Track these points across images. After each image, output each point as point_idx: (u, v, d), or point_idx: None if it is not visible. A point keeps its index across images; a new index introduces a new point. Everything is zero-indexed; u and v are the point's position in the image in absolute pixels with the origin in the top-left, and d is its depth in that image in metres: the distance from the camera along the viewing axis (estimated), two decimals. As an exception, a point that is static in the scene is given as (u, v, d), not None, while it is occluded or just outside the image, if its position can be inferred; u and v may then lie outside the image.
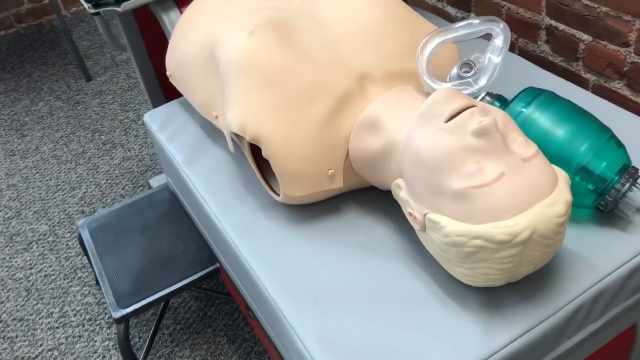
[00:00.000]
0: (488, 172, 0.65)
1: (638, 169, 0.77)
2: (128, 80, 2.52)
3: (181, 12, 1.18)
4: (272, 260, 0.83)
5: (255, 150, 0.95)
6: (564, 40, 1.36)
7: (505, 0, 1.47)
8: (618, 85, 1.29)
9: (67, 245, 1.82)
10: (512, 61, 1.23)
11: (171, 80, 1.11)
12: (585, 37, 1.31)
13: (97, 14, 1.14)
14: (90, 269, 1.72)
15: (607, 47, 1.26)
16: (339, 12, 0.90)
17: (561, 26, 1.35)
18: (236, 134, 0.91)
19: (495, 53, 0.79)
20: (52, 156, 2.17)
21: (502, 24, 0.79)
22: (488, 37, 0.82)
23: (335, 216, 0.88)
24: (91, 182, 2.03)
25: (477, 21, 0.80)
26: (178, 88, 1.09)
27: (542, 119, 0.79)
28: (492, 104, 0.84)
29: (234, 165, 1.00)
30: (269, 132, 0.82)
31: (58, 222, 1.89)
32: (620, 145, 0.78)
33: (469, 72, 0.81)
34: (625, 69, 1.25)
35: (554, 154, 0.77)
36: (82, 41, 2.84)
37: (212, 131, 1.08)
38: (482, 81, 0.78)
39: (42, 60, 2.74)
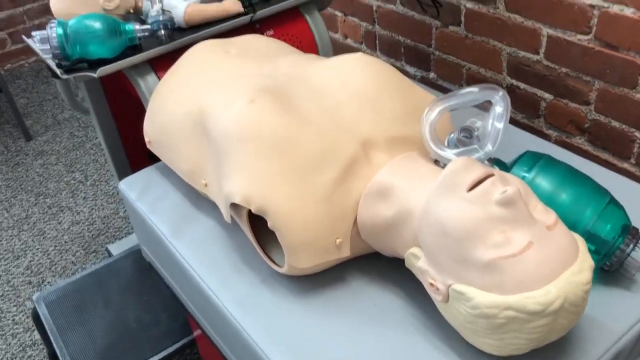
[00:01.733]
0: (516, 242, 0.65)
1: (638, 229, 0.80)
2: (72, 139, 2.41)
3: (158, 77, 1.14)
4: (280, 336, 0.79)
5: (250, 220, 0.92)
6: (525, 99, 1.43)
7: (466, 60, 1.54)
8: (579, 140, 1.36)
9: (14, 320, 1.67)
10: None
11: (150, 147, 1.07)
12: (547, 95, 1.38)
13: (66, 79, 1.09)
14: (42, 347, 1.58)
15: (568, 105, 1.34)
16: (334, 79, 0.91)
17: (522, 85, 1.42)
18: (232, 205, 0.88)
19: (497, 120, 0.81)
20: (-8, 223, 2.02)
21: (501, 92, 0.82)
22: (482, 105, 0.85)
23: (341, 286, 0.85)
24: (37, 249, 1.90)
25: (476, 89, 0.82)
26: (159, 155, 1.05)
27: (545, 183, 0.81)
28: (492, 167, 0.85)
29: (226, 236, 0.96)
30: (276, 203, 0.79)
31: (1, 295, 1.75)
32: (619, 206, 0.81)
33: (469, 137, 0.82)
34: (587, 125, 1.32)
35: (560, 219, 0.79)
36: (19, 99, 2.71)
37: (198, 199, 1.04)
38: (489, 147, 0.80)
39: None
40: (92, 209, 2.04)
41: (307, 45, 1.29)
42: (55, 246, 1.90)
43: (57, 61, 1.06)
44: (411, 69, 1.75)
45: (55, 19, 1.08)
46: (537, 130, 1.44)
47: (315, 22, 1.31)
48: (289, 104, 0.86)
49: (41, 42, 1.05)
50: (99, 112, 1.34)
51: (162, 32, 1.10)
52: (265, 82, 0.92)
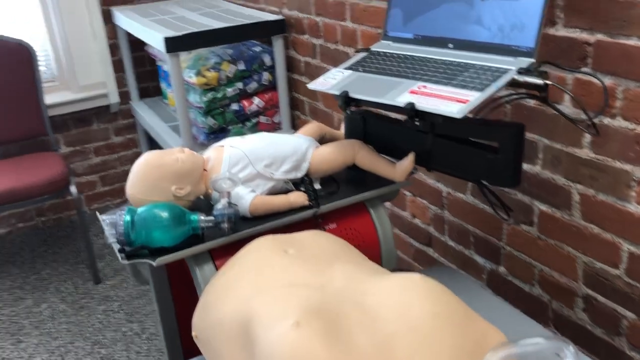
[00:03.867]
0: None
1: None
2: (138, 286, 2.45)
3: (216, 267, 1.14)
4: None
5: None
6: (604, 313, 1.31)
7: (538, 261, 1.46)
8: (670, 371, 1.20)
9: None
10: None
11: (196, 341, 1.04)
12: (629, 314, 1.26)
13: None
14: None
15: (654, 330, 1.21)
16: (390, 307, 0.86)
17: (600, 298, 1.31)
18: None
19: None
20: (44, 370, 2.02)
21: (571, 347, 0.74)
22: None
23: None
24: (81, 406, 1.85)
25: (544, 341, 0.75)
26: (203, 353, 1.01)
27: None
28: None
29: None
30: None
31: None
32: None
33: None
34: (677, 356, 1.18)
35: None
36: (98, 239, 2.84)
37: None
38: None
39: (54, 257, 2.71)
40: (143, 366, 2.00)
41: (369, 240, 1.27)
42: (99, 404, 1.85)
43: (120, 246, 1.09)
44: (480, 259, 1.68)
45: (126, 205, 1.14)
46: (618, 350, 1.30)
47: (379, 216, 1.29)
48: (337, 333, 0.82)
49: (109, 226, 1.09)
50: (159, 292, 1.35)
51: (226, 224, 1.12)
52: (316, 299, 0.88)
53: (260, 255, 1.04)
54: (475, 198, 1.62)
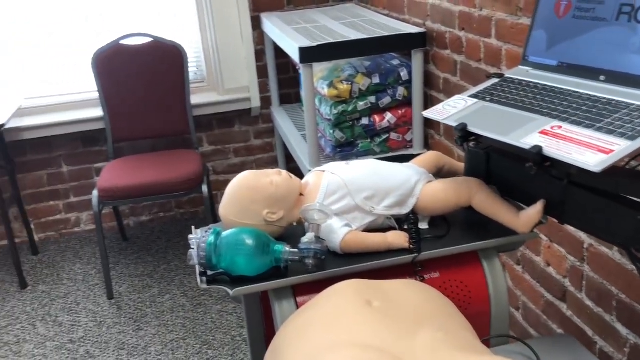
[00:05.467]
0: None
1: None
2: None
3: (296, 304, 1.05)
4: None
5: None
6: None
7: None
8: None
9: None
10: None
11: (264, 385, 0.95)
12: None
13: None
14: None
15: None
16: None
17: None
18: None
19: None
20: (154, 362, 2.10)
21: None
22: None
23: None
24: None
25: None
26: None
27: None
28: None
29: None
30: None
31: None
32: None
33: None
34: None
35: None
36: (226, 238, 2.91)
37: None
38: None
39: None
40: (243, 375, 1.99)
41: (478, 297, 1.10)
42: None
43: (202, 268, 1.05)
44: (623, 330, 1.40)
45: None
46: None
47: (493, 271, 1.11)
48: None
49: (195, 246, 1.05)
50: (250, 319, 1.30)
51: (311, 260, 1.03)
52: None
53: (341, 302, 0.93)
54: (623, 257, 1.35)
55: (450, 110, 1.12)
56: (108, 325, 2.31)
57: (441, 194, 1.14)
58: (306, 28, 2.38)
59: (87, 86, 2.82)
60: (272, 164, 3.18)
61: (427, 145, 2.30)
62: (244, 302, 1.30)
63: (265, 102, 3.03)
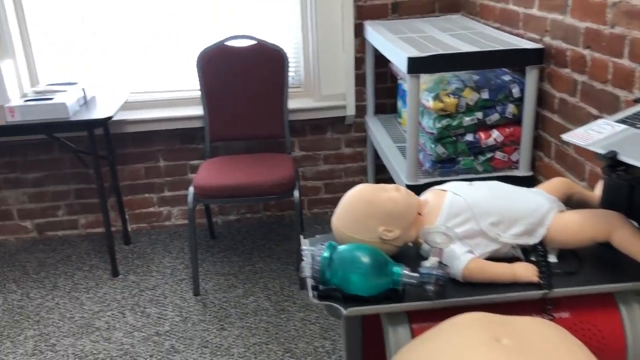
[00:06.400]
0: None
1: None
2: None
3: (411, 332, 0.99)
4: None
5: None
6: None
7: None
8: None
9: None
10: None
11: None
12: None
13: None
14: None
15: None
16: None
17: None
18: None
19: None
20: (237, 365, 2.09)
21: None
22: None
23: None
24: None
25: None
26: None
27: None
28: None
29: None
30: None
31: None
32: None
33: None
34: None
35: None
36: (310, 245, 2.89)
37: None
38: None
39: (269, 252, 2.83)
40: (325, 389, 1.94)
41: (612, 344, 0.99)
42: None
43: (314, 283, 1.00)
44: None
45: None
46: None
47: (632, 317, 1.00)
48: None
49: (308, 257, 1.01)
50: (349, 340, 1.24)
51: (432, 287, 0.96)
52: None
53: (465, 337, 0.86)
54: None
55: (594, 135, 1.02)
56: (193, 321, 2.33)
57: (575, 226, 1.04)
58: (413, 38, 2.32)
59: (189, 84, 2.89)
60: (361, 173, 3.13)
61: (534, 167, 2.17)
62: (345, 321, 1.25)
63: (360, 110, 2.98)
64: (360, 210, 1.06)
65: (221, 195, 2.40)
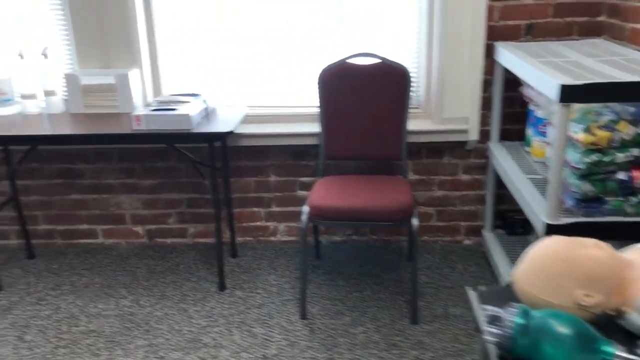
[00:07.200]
0: None
1: None
2: (453, 342, 2.24)
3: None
4: None
5: None
6: None
7: None
8: None
9: None
10: None
11: None
12: None
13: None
14: None
15: None
16: None
17: None
18: None
19: None
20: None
21: None
22: None
23: None
24: None
25: None
26: None
27: None
28: None
29: None
30: None
31: None
32: None
33: None
34: None
35: None
36: (421, 274, 2.74)
37: None
38: None
39: (376, 279, 2.71)
40: None
41: None
42: None
43: (500, 350, 0.86)
44: None
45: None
46: None
47: None
48: None
49: (490, 319, 0.88)
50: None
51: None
52: None
53: None
54: None
55: None
56: (300, 347, 2.24)
57: None
58: (556, 63, 2.13)
59: (305, 101, 2.83)
60: (478, 202, 2.94)
61: (697, 214, 1.92)
62: None
63: (482, 136, 2.81)
64: (555, 269, 0.91)
65: (337, 218, 2.31)
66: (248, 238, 3.07)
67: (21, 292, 2.65)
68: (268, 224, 3.03)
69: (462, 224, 3.00)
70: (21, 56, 2.60)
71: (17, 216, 3.02)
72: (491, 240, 2.85)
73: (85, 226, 3.07)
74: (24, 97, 2.64)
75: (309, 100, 2.84)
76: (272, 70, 2.83)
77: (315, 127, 2.76)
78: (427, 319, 2.40)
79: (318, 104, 2.65)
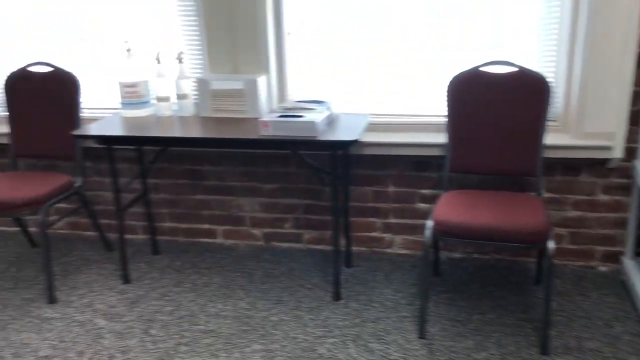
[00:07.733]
0: None
1: None
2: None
3: None
4: None
5: None
6: None
7: None
8: None
9: None
10: None
11: None
12: None
13: None
14: None
15: None
16: None
17: None
18: None
19: None
20: None
21: None
22: None
23: None
24: None
25: None
26: None
27: None
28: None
29: None
30: None
31: None
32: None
33: None
34: None
35: None
36: (561, 300, 2.53)
37: None
38: None
39: (501, 301, 2.53)
40: None
41: None
42: None
43: None
44: None
45: None
46: None
47: None
48: None
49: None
50: None
51: None
52: None
53: None
54: None
55: None
56: (419, 368, 2.14)
57: None
58: None
59: (429, 110, 2.73)
60: (618, 226, 2.67)
61: None
62: None
63: (627, 153, 2.55)
64: None
65: (466, 236, 2.18)
66: (362, 248, 3.01)
67: (146, 287, 2.77)
68: (384, 235, 2.96)
69: (598, 248, 2.74)
70: (158, 60, 2.71)
71: (145, 213, 3.18)
72: (632, 268, 2.58)
73: (206, 226, 3.16)
74: (159, 99, 2.76)
75: (433, 109, 2.72)
76: (398, 77, 2.75)
77: (440, 138, 2.64)
78: (559, 351, 2.20)
79: (446, 114, 2.54)
